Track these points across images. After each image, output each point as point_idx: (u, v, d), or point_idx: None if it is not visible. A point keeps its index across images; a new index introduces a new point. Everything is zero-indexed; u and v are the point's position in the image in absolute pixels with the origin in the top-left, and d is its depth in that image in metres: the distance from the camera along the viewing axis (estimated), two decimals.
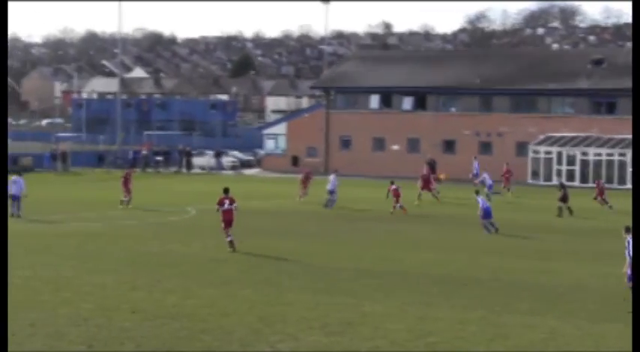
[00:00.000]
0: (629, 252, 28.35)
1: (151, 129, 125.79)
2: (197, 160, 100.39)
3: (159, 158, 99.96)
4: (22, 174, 54.46)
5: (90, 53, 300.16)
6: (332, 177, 62.28)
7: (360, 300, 29.30)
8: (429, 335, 24.88)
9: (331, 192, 60.66)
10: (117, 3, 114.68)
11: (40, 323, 25.41)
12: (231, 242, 40.71)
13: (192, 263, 36.59)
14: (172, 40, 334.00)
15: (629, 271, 28.33)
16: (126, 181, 58.08)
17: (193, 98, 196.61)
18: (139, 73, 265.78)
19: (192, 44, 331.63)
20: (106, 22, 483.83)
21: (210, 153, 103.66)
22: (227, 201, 41.61)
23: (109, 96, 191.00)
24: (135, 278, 32.76)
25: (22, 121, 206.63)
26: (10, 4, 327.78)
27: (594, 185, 65.51)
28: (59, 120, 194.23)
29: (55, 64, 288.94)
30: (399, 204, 58.04)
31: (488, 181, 67.16)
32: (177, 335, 24.44)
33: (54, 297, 29.16)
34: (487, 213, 48.10)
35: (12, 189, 51.30)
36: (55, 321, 25.69)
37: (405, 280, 33.16)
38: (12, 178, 51.95)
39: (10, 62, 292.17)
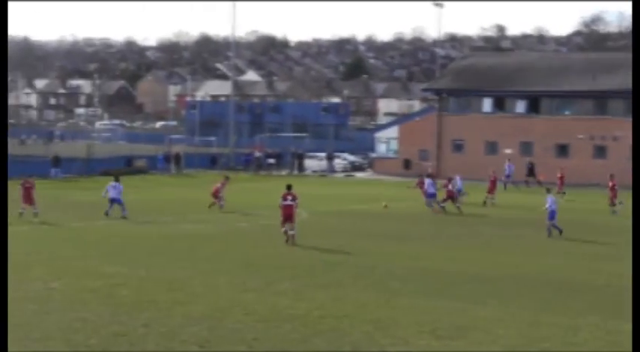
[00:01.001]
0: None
1: (263, 131, 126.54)
2: (309, 163, 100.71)
3: (271, 160, 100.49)
4: (120, 180, 54.67)
5: (204, 56, 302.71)
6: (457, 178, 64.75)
7: (472, 305, 29.18)
8: (541, 341, 24.68)
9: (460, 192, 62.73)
10: (231, 5, 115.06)
11: (153, 323, 25.70)
12: (286, 233, 42.80)
13: (303, 265, 36.68)
14: (285, 43, 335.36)
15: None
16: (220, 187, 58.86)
17: (306, 101, 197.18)
18: (252, 76, 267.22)
19: (304, 47, 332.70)
20: (220, 25, 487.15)
21: (322, 155, 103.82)
22: (289, 197, 43.58)
23: (222, 99, 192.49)
24: (247, 280, 32.95)
25: (137, 123, 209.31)
26: (125, 7, 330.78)
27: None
28: (173, 123, 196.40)
29: (169, 67, 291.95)
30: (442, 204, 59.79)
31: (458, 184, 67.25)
32: (289, 337, 24.55)
33: (167, 298, 29.46)
34: (552, 215, 47.75)
35: (111, 193, 52.32)
36: (168, 322, 25.97)
37: (518, 285, 32.93)
38: (111, 183, 53.06)
39: (125, 65, 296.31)
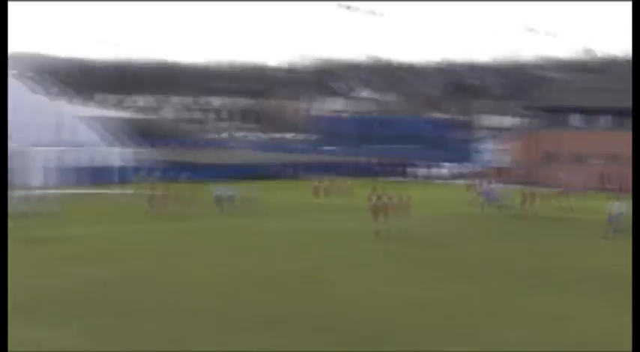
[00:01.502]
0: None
1: (376, 142, 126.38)
2: (416, 170, 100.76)
3: (381, 168, 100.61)
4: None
5: (323, 77, 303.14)
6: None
7: None
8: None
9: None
10: (350, 34, 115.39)
11: (292, 309, 26.11)
12: (379, 230, 43.73)
13: (422, 260, 36.79)
14: (395, 65, 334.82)
15: None
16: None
17: (414, 116, 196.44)
18: (365, 93, 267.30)
19: (414, 69, 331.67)
20: (340, 50, 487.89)
21: (429, 164, 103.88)
22: (376, 197, 45.60)
23: (341, 114, 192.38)
24: (384, 270, 33.13)
25: (267, 134, 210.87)
26: (255, 33, 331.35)
27: None
28: (298, 134, 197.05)
29: (293, 86, 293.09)
30: None
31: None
32: (411, 321, 24.68)
33: (305, 286, 29.72)
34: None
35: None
36: (305, 309, 26.29)
37: None
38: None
39: (255, 84, 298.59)
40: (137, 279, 30.12)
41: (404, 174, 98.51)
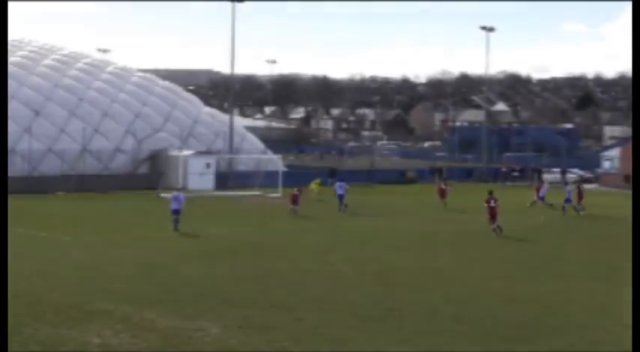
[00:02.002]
0: None
1: (509, 151, 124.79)
2: (546, 176, 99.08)
3: (515, 174, 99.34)
4: (182, 191, 48.84)
5: (463, 90, 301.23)
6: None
7: None
8: None
9: None
10: (484, 52, 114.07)
11: (419, 301, 25.74)
12: (494, 229, 43.56)
13: (540, 259, 36.06)
14: (528, 80, 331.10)
15: None
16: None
17: (544, 126, 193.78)
18: (500, 106, 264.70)
19: (544, 83, 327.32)
20: (476, 66, 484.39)
21: (557, 170, 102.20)
22: (492, 200, 44.31)
23: (477, 125, 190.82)
24: (494, 269, 32.64)
25: (409, 143, 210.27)
26: (402, 54, 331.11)
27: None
28: (437, 143, 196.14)
29: (435, 99, 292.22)
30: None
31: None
32: (528, 315, 24.16)
33: (431, 282, 29.42)
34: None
35: (172, 205, 43.47)
36: (431, 300, 25.94)
37: None
38: (173, 194, 45.04)
39: (400, 97, 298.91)
40: (297, 272, 30.10)
41: (537, 180, 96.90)
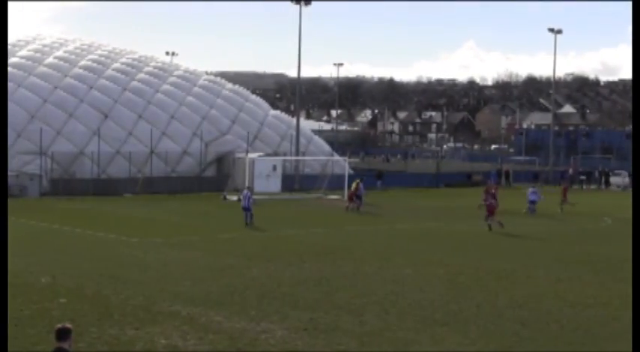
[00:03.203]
0: None
1: (576, 154, 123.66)
2: (614, 179, 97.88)
3: (582, 177, 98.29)
4: (251, 188, 50.35)
5: (530, 93, 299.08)
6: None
7: None
8: None
9: None
10: (552, 54, 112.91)
11: (484, 304, 25.60)
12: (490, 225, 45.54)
13: (606, 262, 35.66)
14: (596, 83, 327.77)
15: None
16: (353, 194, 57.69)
17: (612, 129, 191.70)
18: (568, 109, 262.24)
19: (612, 86, 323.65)
20: (543, 68, 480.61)
21: (625, 173, 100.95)
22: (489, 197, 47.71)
23: (544, 127, 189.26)
24: (559, 272, 32.34)
25: (476, 146, 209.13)
26: (470, 57, 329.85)
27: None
28: (504, 146, 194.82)
29: (502, 101, 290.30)
30: None
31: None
32: (594, 319, 23.92)
33: (495, 285, 29.26)
34: None
35: (243, 202, 46.55)
36: (496, 303, 25.80)
37: None
38: (243, 192, 47.91)
39: (467, 100, 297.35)
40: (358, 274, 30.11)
41: (605, 183, 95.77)
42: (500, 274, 31.52)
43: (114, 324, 21.61)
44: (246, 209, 45.86)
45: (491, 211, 46.94)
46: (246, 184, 57.80)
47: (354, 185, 60.40)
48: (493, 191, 54.16)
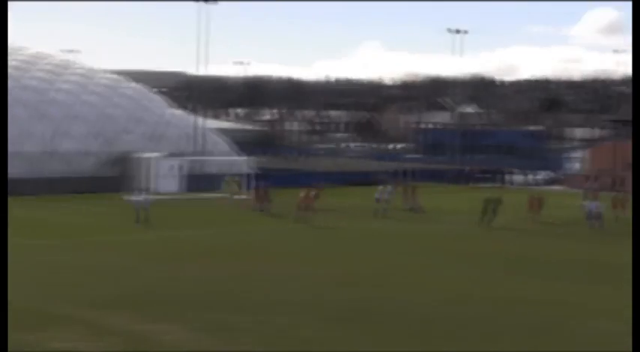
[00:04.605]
0: None
1: (478, 153, 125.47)
2: (515, 178, 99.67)
3: (482, 175, 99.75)
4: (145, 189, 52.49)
5: (431, 93, 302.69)
6: None
7: None
8: None
9: None
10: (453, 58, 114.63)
11: (388, 302, 25.70)
12: None
13: (509, 259, 36.13)
14: (495, 82, 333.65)
15: None
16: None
17: (513, 128, 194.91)
18: (469, 108, 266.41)
19: (511, 85, 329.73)
20: (445, 69, 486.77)
21: (524, 172, 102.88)
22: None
23: (446, 127, 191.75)
24: (464, 270, 32.67)
25: (378, 145, 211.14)
26: (372, 56, 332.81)
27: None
28: (406, 145, 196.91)
29: (404, 101, 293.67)
30: None
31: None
32: (495, 315, 24.13)
33: (398, 281, 29.39)
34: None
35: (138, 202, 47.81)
36: (399, 301, 25.94)
37: None
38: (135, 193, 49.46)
39: (370, 99, 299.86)
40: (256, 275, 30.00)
41: (501, 181, 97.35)
42: (404, 271, 31.72)
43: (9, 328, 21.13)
44: (141, 209, 45.96)
45: None
46: (147, 184, 57.29)
47: (302, 193, 60.28)
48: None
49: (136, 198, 47.91)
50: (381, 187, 56.31)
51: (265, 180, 61.38)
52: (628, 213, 51.88)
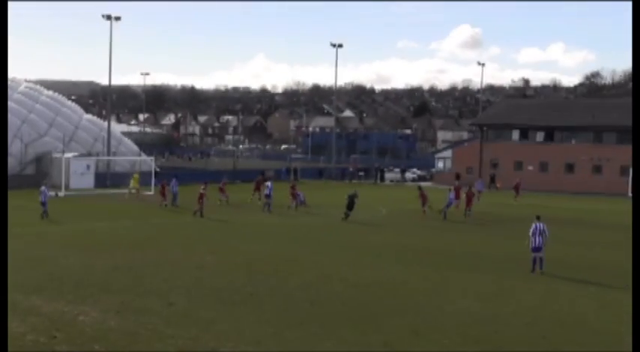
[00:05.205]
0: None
1: (355, 153, 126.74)
2: (388, 175, 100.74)
3: (361, 173, 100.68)
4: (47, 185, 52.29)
5: (315, 100, 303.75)
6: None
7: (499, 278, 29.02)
8: (552, 304, 24.56)
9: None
10: (334, 66, 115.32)
11: (277, 286, 25.97)
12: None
13: (381, 248, 36.73)
14: (372, 91, 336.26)
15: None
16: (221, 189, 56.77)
17: (386, 132, 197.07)
18: (348, 113, 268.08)
19: (386, 93, 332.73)
20: (326, 78, 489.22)
21: (397, 170, 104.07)
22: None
23: (327, 130, 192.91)
24: (342, 257, 33.11)
25: (268, 146, 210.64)
26: (261, 68, 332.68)
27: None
28: (293, 146, 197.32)
29: (290, 107, 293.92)
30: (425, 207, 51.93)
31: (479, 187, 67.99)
32: (370, 297, 24.63)
33: (287, 269, 29.71)
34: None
35: (41, 198, 46.05)
36: (288, 285, 26.22)
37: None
38: (41, 188, 46.80)
39: (260, 105, 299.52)
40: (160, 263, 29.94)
41: (380, 178, 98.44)
42: (291, 259, 32.02)
43: None
44: (44, 204, 45.61)
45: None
46: (62, 182, 56.36)
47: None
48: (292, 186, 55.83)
49: (40, 190, 46.69)
50: (268, 183, 55.10)
51: (168, 178, 61.00)
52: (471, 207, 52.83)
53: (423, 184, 70.16)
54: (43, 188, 46.58)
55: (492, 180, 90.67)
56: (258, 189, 60.01)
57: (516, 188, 70.61)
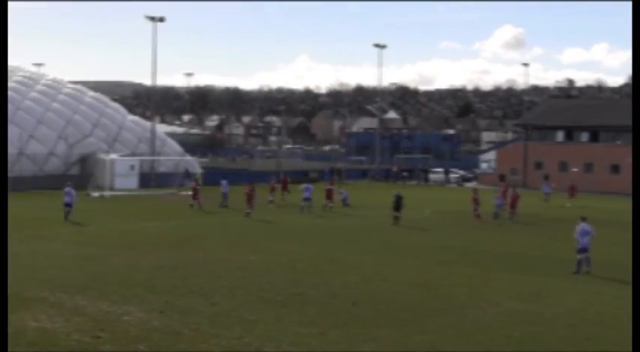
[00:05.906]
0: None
1: (399, 153, 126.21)
2: (432, 176, 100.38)
3: (405, 174, 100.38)
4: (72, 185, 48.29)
5: (359, 100, 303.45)
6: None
7: (546, 278, 28.82)
8: (597, 306, 24.33)
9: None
10: (379, 66, 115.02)
11: (320, 286, 26.00)
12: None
13: (424, 248, 36.63)
14: (416, 92, 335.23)
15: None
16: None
17: (430, 132, 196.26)
18: (392, 114, 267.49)
19: (429, 94, 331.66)
20: (370, 79, 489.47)
21: (441, 171, 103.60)
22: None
23: (371, 131, 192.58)
24: (385, 258, 33.07)
25: (311, 147, 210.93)
26: (304, 69, 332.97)
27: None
28: (336, 147, 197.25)
29: (334, 108, 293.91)
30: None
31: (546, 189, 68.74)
32: (413, 298, 24.58)
33: (330, 268, 29.73)
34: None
35: (65, 199, 44.84)
36: (330, 286, 26.24)
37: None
38: (65, 189, 45.53)
39: (304, 106, 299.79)
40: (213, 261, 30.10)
41: (424, 179, 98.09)
42: (334, 260, 32.03)
43: None
44: (68, 205, 44.26)
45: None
46: (107, 182, 56.72)
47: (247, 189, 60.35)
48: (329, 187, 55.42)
49: (65, 190, 45.29)
50: (304, 185, 54.59)
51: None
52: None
53: (467, 185, 69.63)
54: (67, 188, 44.92)
55: (546, 180, 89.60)
56: (285, 188, 61.75)
57: (572, 190, 69.66)
